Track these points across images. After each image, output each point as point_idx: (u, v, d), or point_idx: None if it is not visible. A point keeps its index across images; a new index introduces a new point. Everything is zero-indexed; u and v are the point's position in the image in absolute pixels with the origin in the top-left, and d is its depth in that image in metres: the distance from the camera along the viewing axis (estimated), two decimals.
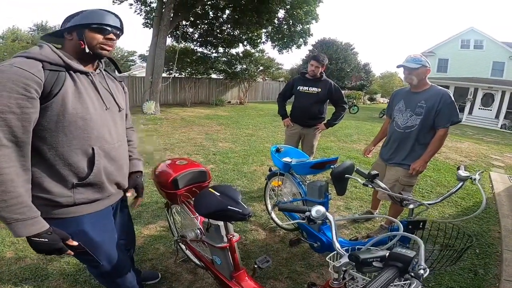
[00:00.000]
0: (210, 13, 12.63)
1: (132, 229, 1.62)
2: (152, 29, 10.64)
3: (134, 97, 12.90)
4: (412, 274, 0.74)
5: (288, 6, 11.11)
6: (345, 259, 0.93)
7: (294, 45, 13.31)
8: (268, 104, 16.41)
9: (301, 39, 13.02)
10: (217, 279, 1.59)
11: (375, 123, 10.82)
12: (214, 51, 14.53)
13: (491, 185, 4.44)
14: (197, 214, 1.60)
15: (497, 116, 16.28)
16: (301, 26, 12.50)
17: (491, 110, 16.88)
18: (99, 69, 1.19)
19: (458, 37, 20.44)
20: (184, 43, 13.69)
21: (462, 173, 1.54)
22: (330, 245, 1.84)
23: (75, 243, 1.07)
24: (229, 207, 1.26)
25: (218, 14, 12.65)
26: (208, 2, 11.55)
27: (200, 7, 11.62)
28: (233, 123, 8.64)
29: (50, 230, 0.99)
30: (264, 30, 13.31)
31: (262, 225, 2.73)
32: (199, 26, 13.44)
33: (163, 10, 9.96)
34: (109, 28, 1.09)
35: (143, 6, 12.17)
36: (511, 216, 3.21)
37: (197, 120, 9.00)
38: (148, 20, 12.47)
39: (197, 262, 1.87)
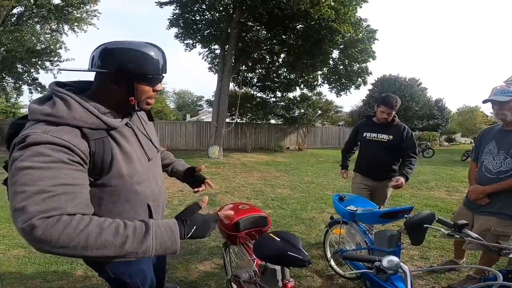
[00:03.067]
0: (267, 57, 13.61)
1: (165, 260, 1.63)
2: (216, 74, 11.89)
3: (201, 141, 14.17)
4: None
5: (342, 46, 11.32)
6: None
7: (353, 86, 13.21)
8: (328, 150, 16.05)
9: (359, 79, 12.88)
10: None
11: (456, 167, 9.35)
12: (272, 95, 15.30)
13: None
14: (254, 257, 1.61)
15: None
16: (357, 65, 12.47)
17: None
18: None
19: None
20: (244, 88, 14.79)
21: None
22: None
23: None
24: (289, 252, 1.27)
25: (274, 59, 13.53)
26: (264, 48, 12.50)
27: (257, 52, 12.66)
28: (292, 170, 8.60)
29: (185, 228, 0.86)
30: (319, 72, 13.63)
31: (319, 272, 2.57)
32: (257, 71, 14.51)
33: (226, 56, 11.13)
34: (162, 77, 0.95)
35: (208, 52, 13.81)
36: None
37: (256, 166, 9.25)
38: (212, 66, 14.02)
39: None
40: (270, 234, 1.44)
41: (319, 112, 15.60)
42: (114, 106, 0.93)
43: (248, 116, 14.57)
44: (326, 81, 13.92)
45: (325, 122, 17.43)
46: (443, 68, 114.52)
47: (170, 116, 24.22)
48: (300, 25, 10.82)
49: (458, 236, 1.38)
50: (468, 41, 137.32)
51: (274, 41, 11.55)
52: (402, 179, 2.37)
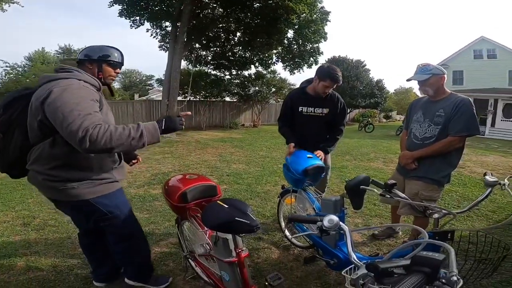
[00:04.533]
0: (222, 35, 13.20)
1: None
2: (167, 52, 11.19)
3: (151, 120, 13.28)
4: (444, 281, 0.64)
5: (296, 27, 11.47)
6: (362, 271, 0.84)
7: (305, 65, 13.57)
8: None
9: (311, 58, 13.27)
10: None
11: (392, 141, 10.50)
12: (227, 73, 15.01)
13: None
14: (206, 228, 1.55)
15: None
16: (310, 45, 12.81)
17: None
18: None
19: (469, 47, 20.05)
20: (198, 66, 14.25)
21: (490, 178, 1.42)
22: (348, 262, 1.81)
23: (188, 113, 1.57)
24: (236, 218, 1.23)
25: (230, 37, 13.19)
26: (220, 25, 12.11)
27: (212, 30, 12.18)
28: (247, 145, 8.67)
29: (161, 124, 1.35)
30: (275, 51, 13.71)
31: (276, 243, 2.64)
32: (212, 49, 14.03)
33: (177, 33, 10.51)
34: (119, 64, 1.56)
35: (158, 30, 12.89)
36: None
37: (211, 143, 9.11)
38: (164, 44, 13.17)
39: (206, 279, 1.81)
40: (218, 202, 1.39)
41: (273, 89, 15.80)
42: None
43: (202, 94, 14.15)
44: (280, 60, 14.07)
45: (278, 99, 17.77)
46: (385, 50, 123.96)
47: (116, 96, 22.47)
48: (257, 3, 10.60)
49: (389, 196, 1.48)
50: (407, 26, 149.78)
51: (231, 19, 11.16)
52: (321, 153, 2.42)
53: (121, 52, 1.57)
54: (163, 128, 1.33)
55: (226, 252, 1.39)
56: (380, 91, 22.98)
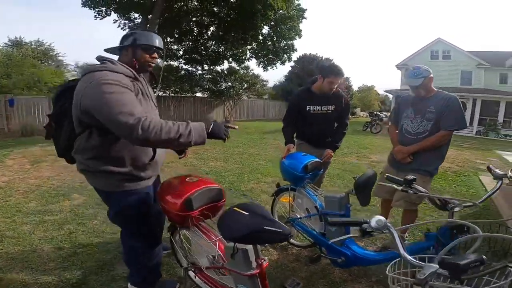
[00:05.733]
0: (195, 29, 12.73)
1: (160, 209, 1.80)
2: None
3: None
4: None
5: (272, 23, 11.42)
6: (431, 269, 0.80)
7: (279, 61, 13.60)
8: (254, 122, 16.38)
9: (285, 55, 13.34)
10: None
11: (360, 136, 11.07)
12: (199, 68, 14.52)
13: (484, 189, 4.51)
14: (215, 238, 1.41)
15: (471, 123, 17.14)
16: (285, 42, 12.83)
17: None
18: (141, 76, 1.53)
19: (427, 48, 21.66)
20: (168, 60, 13.62)
21: (499, 172, 1.53)
22: (356, 259, 1.80)
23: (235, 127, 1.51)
24: (266, 227, 1.08)
25: (203, 31, 12.74)
26: (193, 19, 11.66)
27: (185, 23, 11.65)
28: (222, 142, 8.45)
29: (208, 127, 1.31)
30: (249, 47, 13.51)
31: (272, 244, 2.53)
32: (184, 43, 13.48)
33: (148, 25, 9.93)
34: (153, 48, 1.45)
35: (127, 21, 12.14)
36: None
37: None
38: None
39: None
40: (235, 208, 1.22)
41: (246, 85, 15.67)
42: (130, 67, 1.41)
43: (172, 89, 13.57)
44: (254, 56, 13.90)
45: (251, 95, 17.72)
46: (348, 49, 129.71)
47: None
48: None
49: (412, 191, 1.51)
50: (370, 27, 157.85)
51: (205, 12, 10.75)
52: (330, 151, 2.60)
53: (157, 35, 1.48)
54: (209, 131, 1.29)
55: (246, 264, 1.23)
56: (347, 88, 24.01)
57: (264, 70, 14.65)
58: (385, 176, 1.69)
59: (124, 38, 1.45)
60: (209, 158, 6.10)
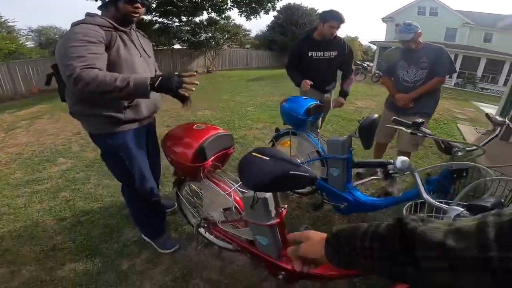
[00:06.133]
0: None
1: (159, 157, 1.85)
2: (100, 1, 9.32)
3: None
4: None
5: None
6: (456, 212, 0.79)
7: (262, 10, 12.66)
8: (237, 71, 15.85)
9: (269, 4, 12.39)
10: (257, 260, 1.35)
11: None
12: (176, 20, 13.26)
13: (462, 137, 4.73)
14: (229, 189, 1.34)
15: (450, 76, 17.69)
16: None
17: None
18: (132, 29, 1.53)
19: (415, 4, 21.26)
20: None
21: (499, 118, 1.62)
22: (359, 204, 1.84)
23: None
24: (291, 172, 0.98)
25: None
26: None
27: None
28: (206, 91, 8.13)
29: (156, 80, 1.26)
30: None
31: None
32: None
33: None
34: None
35: None
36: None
37: None
38: None
39: (224, 245, 1.63)
40: (254, 154, 1.10)
41: (227, 36, 14.73)
42: (115, 21, 1.42)
43: None
44: (236, 5, 12.74)
45: (232, 45, 16.79)
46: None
47: (30, 55, 18.83)
48: None
49: (421, 134, 1.55)
50: None
51: None
52: (343, 100, 2.68)
53: None
54: (155, 85, 1.25)
55: (266, 214, 1.17)
56: None
57: (247, 20, 13.69)
58: (392, 119, 1.75)
59: None
60: (196, 107, 5.83)
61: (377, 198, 1.98)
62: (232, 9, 13.22)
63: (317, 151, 2.12)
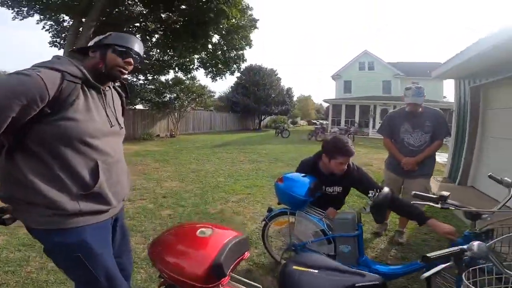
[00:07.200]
0: (137, 36, 11.76)
1: (130, 248, 1.47)
2: (63, 50, 9.11)
3: None
4: None
5: (224, 32, 11.09)
6: None
7: (228, 72, 13.34)
8: (201, 135, 15.85)
9: (235, 65, 13.14)
10: None
11: (309, 145, 11.47)
12: (141, 77, 13.34)
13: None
14: None
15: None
16: (235, 52, 12.64)
17: None
18: (109, 86, 1.23)
19: (356, 60, 24.58)
20: None
21: (509, 179, 1.58)
22: (384, 276, 1.65)
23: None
24: (357, 285, 0.83)
25: (147, 38, 11.58)
26: (136, 24, 10.56)
27: (125, 28, 10.39)
28: (171, 159, 7.72)
29: None
30: (197, 56, 12.88)
31: (270, 271, 2.33)
32: None
33: (81, 29, 8.60)
34: (129, 52, 1.17)
35: (53, 23, 10.49)
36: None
37: (127, 158, 7.71)
38: (59, 38, 10.68)
39: None
40: (295, 268, 0.90)
41: (192, 96, 14.97)
42: (93, 73, 1.12)
43: None
44: (202, 66, 13.29)
45: (197, 107, 17.04)
46: (288, 60, 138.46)
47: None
48: (186, 4, 9.62)
49: (453, 208, 1.50)
50: (307, 38, 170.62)
51: (150, 17, 9.83)
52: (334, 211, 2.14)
53: (137, 39, 1.26)
54: None
55: None
56: (290, 98, 25.27)
57: (212, 81, 14.25)
58: (412, 194, 1.64)
59: (100, 38, 1.19)
60: (161, 178, 5.42)
61: (394, 266, 1.86)
62: (199, 69, 13.71)
63: (322, 230, 1.97)
